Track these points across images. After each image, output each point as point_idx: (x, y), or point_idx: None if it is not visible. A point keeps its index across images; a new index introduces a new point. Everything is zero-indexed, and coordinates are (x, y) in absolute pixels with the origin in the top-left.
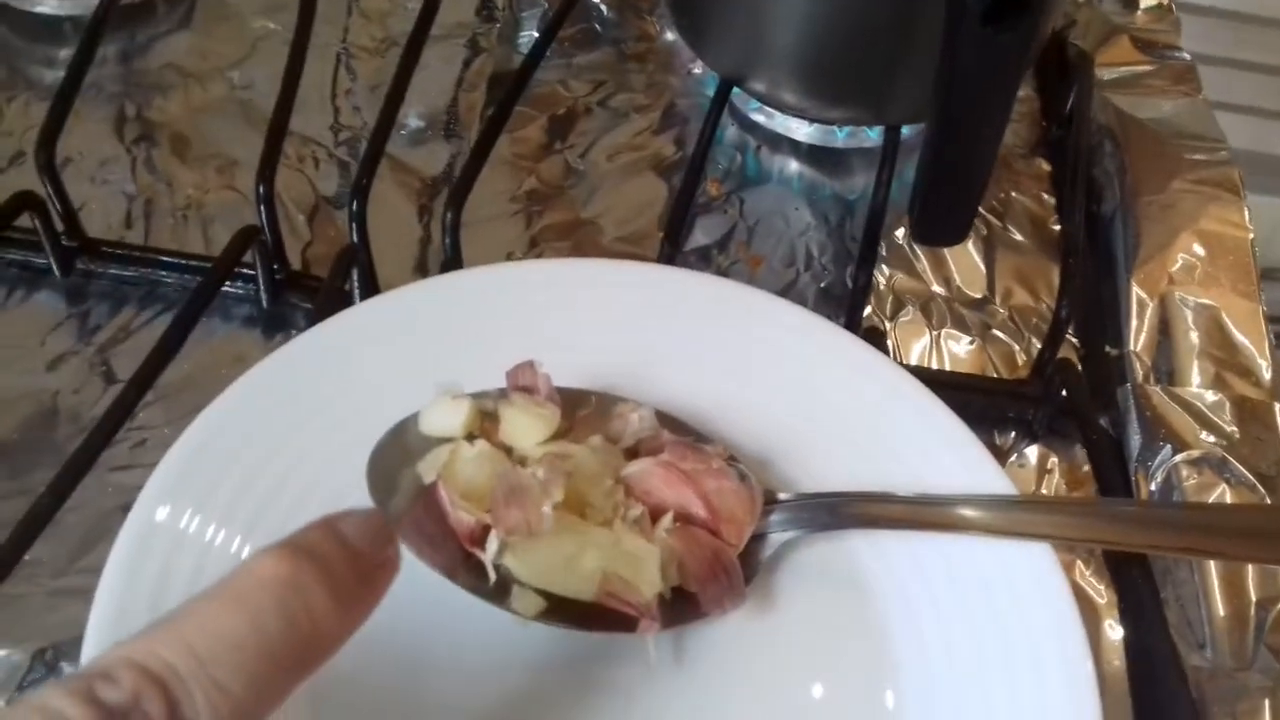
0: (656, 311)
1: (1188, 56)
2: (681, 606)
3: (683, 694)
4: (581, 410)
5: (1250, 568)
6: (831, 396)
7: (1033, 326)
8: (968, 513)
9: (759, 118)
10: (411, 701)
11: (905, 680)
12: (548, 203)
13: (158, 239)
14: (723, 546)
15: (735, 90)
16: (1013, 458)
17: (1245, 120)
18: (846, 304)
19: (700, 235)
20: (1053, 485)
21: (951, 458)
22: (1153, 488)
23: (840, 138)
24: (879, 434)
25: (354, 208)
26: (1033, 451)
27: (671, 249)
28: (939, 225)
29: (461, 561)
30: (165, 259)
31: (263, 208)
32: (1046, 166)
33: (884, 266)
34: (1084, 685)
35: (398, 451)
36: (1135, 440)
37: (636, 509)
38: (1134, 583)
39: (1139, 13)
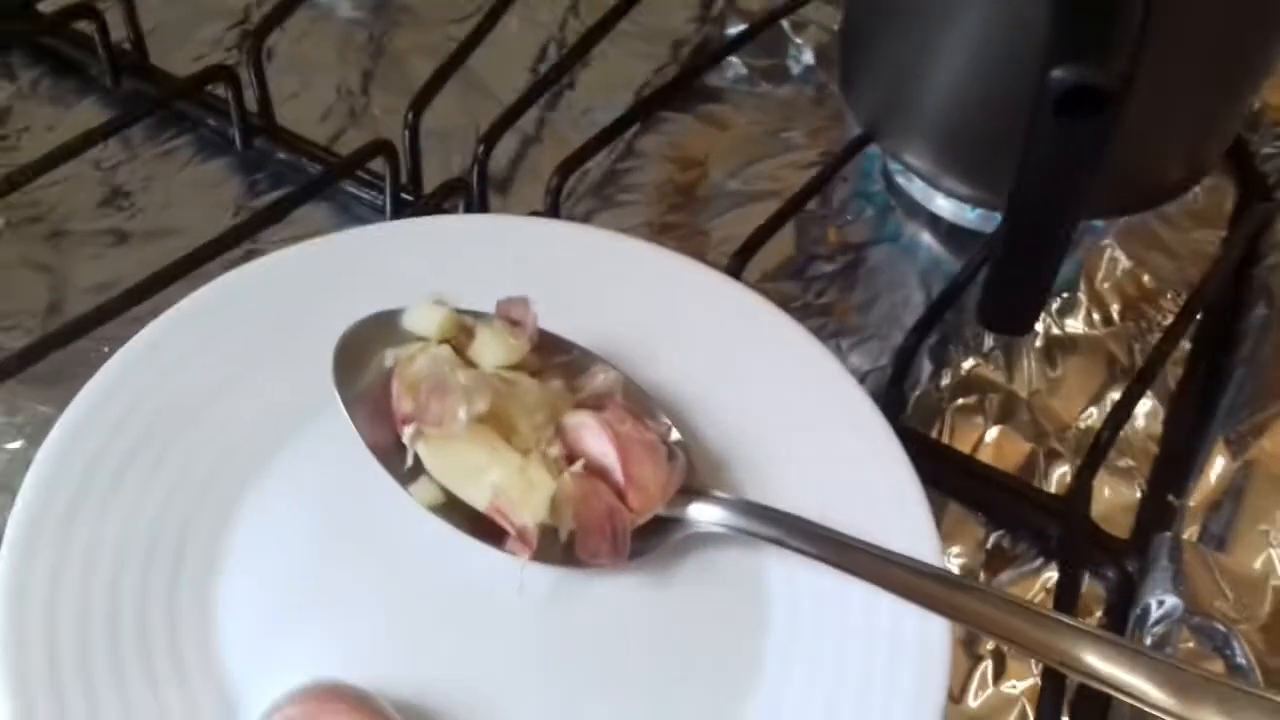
0: (674, 302)
1: None
2: (570, 553)
3: (543, 632)
4: (560, 357)
5: None
6: (812, 424)
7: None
8: (884, 569)
9: (903, 182)
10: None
11: (758, 698)
12: (672, 204)
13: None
14: (620, 508)
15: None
16: (1023, 567)
17: None
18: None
19: (801, 271)
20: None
21: (891, 509)
22: (1147, 641)
23: (971, 218)
24: (841, 473)
25: (480, 151)
26: (1044, 568)
27: (738, 264)
28: (1006, 312)
29: (393, 445)
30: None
31: (407, 133)
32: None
33: (968, 354)
34: None
35: (376, 337)
36: (1149, 589)
37: (556, 449)
38: None
39: None
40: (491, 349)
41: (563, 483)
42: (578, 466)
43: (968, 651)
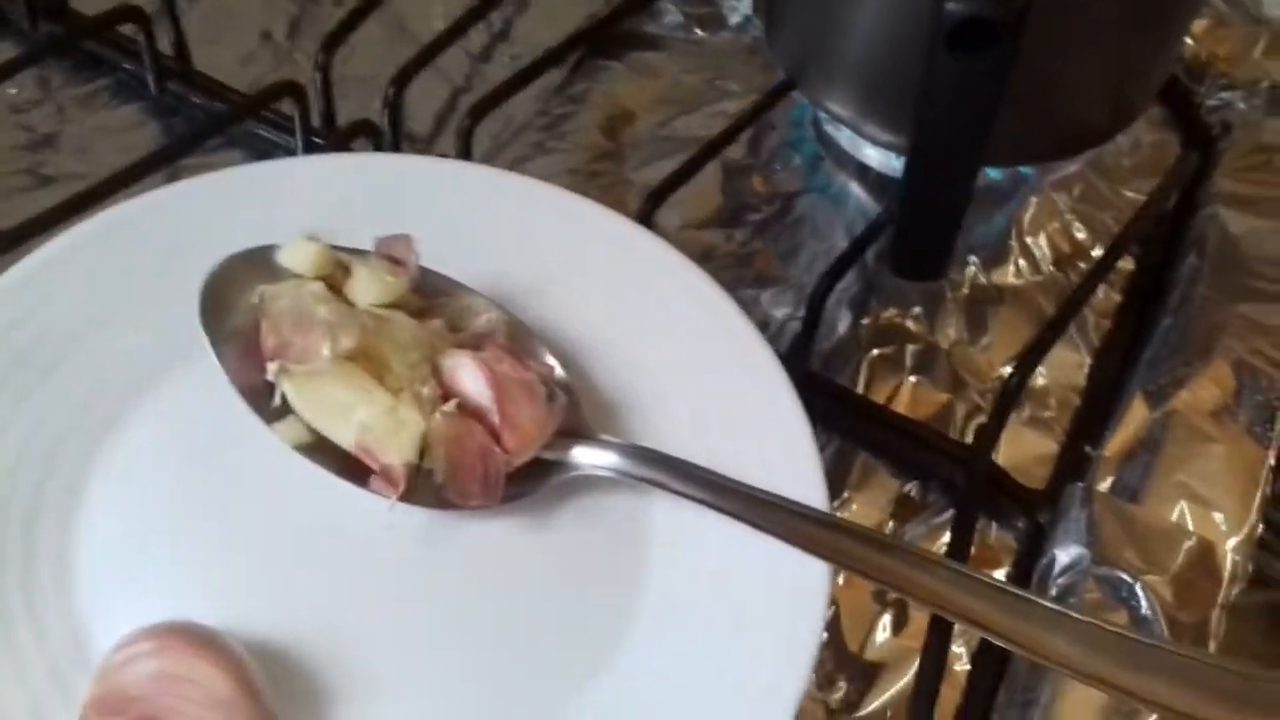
0: (574, 246)
1: None
2: (445, 495)
3: (412, 576)
4: (443, 298)
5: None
6: (706, 370)
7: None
8: (765, 511)
9: (831, 131)
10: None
11: (632, 644)
12: (600, 152)
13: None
14: (493, 448)
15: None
16: (932, 519)
17: None
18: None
19: (728, 221)
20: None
21: (777, 448)
22: (1051, 592)
23: (897, 166)
24: (732, 420)
25: (391, 93)
26: (948, 516)
27: (649, 209)
28: (915, 259)
29: (262, 385)
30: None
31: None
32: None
33: (888, 305)
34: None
35: (248, 274)
36: (1058, 538)
37: (430, 389)
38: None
39: None
40: (368, 286)
41: (434, 422)
42: (450, 406)
43: (875, 600)
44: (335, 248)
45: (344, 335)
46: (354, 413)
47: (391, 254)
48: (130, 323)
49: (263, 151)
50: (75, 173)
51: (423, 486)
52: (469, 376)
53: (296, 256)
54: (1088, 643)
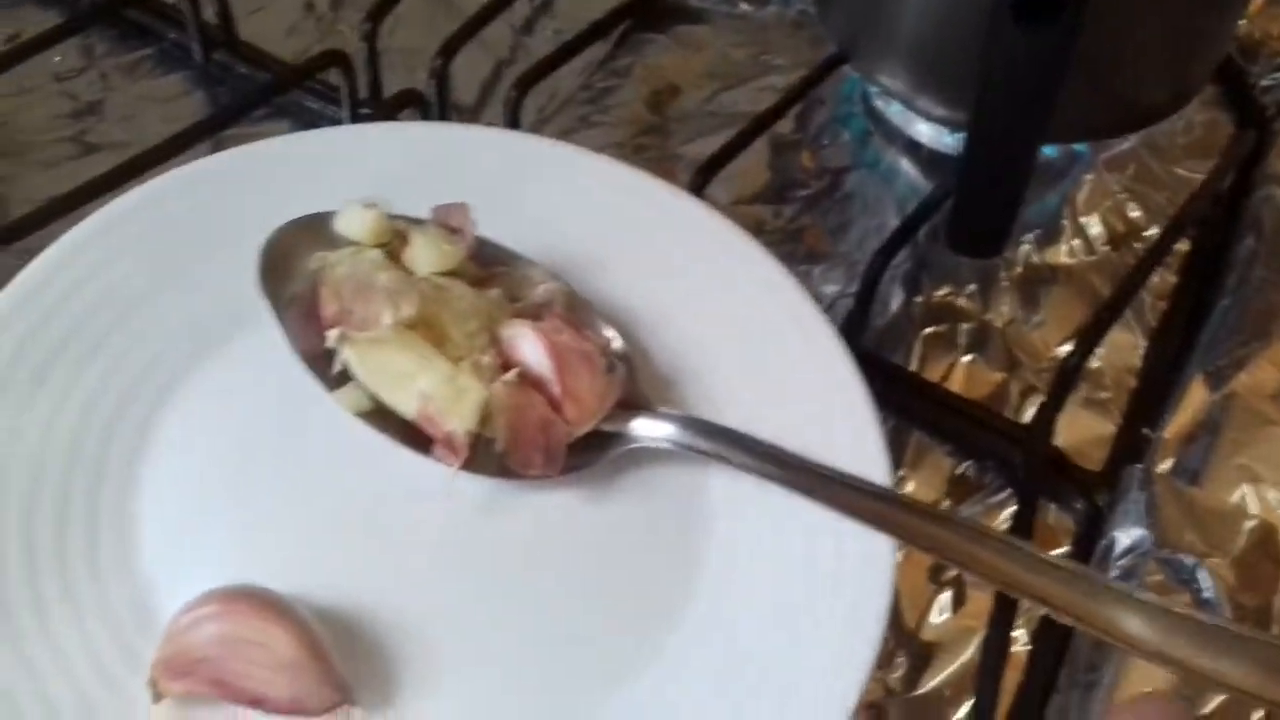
0: (630, 216)
1: None
2: (506, 464)
3: (473, 545)
4: (501, 267)
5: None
6: (765, 343)
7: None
8: (828, 486)
9: (881, 106)
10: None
11: (692, 617)
12: (646, 127)
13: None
14: (554, 419)
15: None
16: (988, 499)
17: None
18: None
19: (775, 196)
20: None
21: (842, 430)
22: (1112, 574)
23: (949, 143)
24: (792, 393)
25: (438, 63)
26: (1010, 500)
27: (700, 182)
28: (974, 236)
29: (322, 351)
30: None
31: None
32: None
33: (941, 283)
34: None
35: (306, 241)
36: (1117, 520)
37: (489, 358)
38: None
39: None
40: (425, 254)
41: (495, 391)
42: (511, 375)
43: (930, 579)
44: (392, 216)
45: (404, 303)
46: (415, 381)
47: (449, 222)
48: (187, 289)
49: (309, 122)
50: (120, 141)
51: (484, 455)
52: (529, 346)
53: (354, 223)
54: (1156, 622)
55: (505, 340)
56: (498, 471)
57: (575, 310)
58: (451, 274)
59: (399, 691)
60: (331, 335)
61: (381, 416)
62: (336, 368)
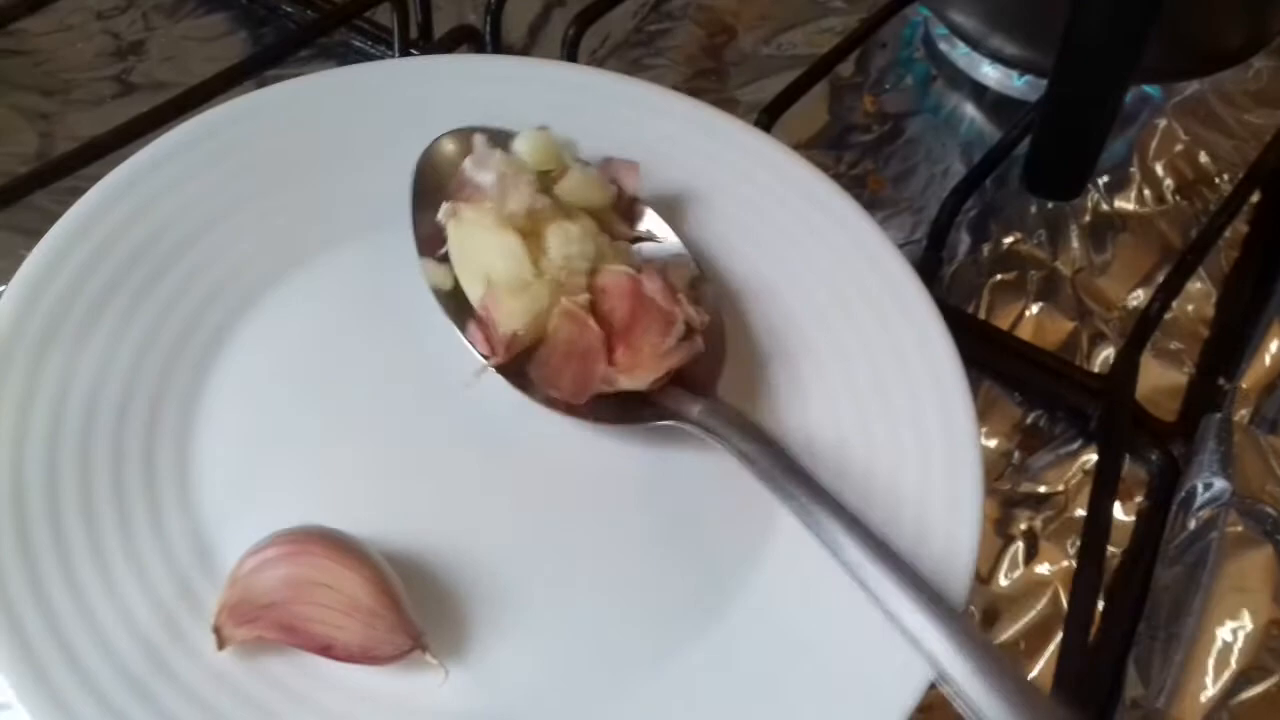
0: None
1: None
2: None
3: (545, 486)
4: (646, 242)
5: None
6: (850, 290)
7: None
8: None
9: (945, 49)
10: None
11: (759, 577)
12: (700, 69)
13: None
14: (599, 353)
15: (925, 13)
16: (1060, 449)
17: None
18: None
19: (836, 141)
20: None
21: (927, 386)
22: (1190, 525)
23: (1018, 86)
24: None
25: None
26: (1083, 450)
27: (763, 124)
28: (1052, 177)
29: (435, 232)
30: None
31: None
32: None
33: (1009, 230)
34: None
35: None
36: (1194, 471)
37: (576, 283)
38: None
39: None
40: (574, 185)
41: (560, 313)
42: (581, 298)
43: (999, 531)
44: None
45: (514, 194)
46: (491, 268)
47: (615, 175)
48: (248, 225)
49: (354, 63)
50: (163, 81)
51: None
52: (618, 290)
53: (530, 146)
54: None
55: (600, 279)
56: (535, 392)
57: (695, 287)
58: (594, 215)
59: (470, 637)
60: (444, 208)
61: (454, 300)
62: (440, 251)
